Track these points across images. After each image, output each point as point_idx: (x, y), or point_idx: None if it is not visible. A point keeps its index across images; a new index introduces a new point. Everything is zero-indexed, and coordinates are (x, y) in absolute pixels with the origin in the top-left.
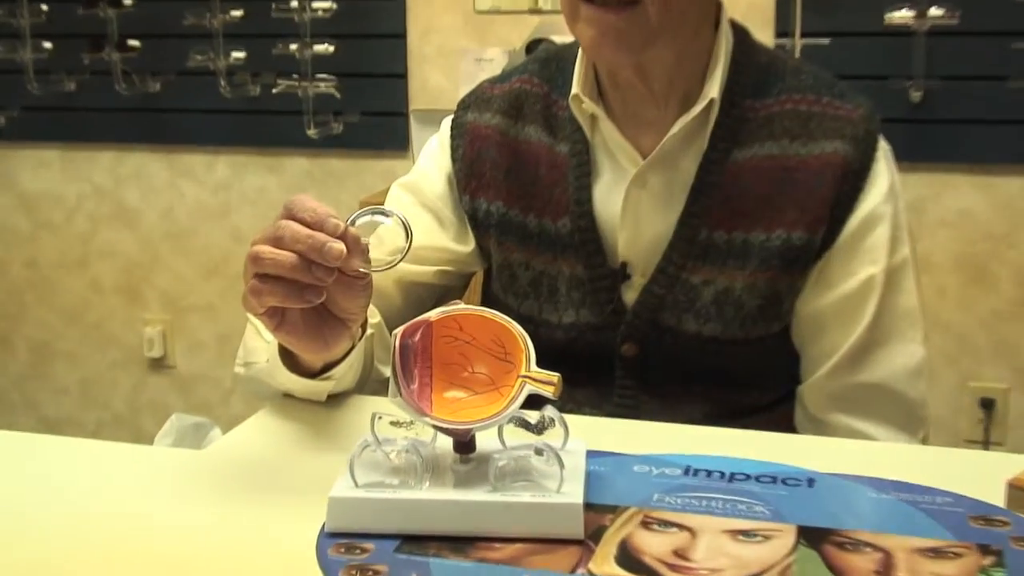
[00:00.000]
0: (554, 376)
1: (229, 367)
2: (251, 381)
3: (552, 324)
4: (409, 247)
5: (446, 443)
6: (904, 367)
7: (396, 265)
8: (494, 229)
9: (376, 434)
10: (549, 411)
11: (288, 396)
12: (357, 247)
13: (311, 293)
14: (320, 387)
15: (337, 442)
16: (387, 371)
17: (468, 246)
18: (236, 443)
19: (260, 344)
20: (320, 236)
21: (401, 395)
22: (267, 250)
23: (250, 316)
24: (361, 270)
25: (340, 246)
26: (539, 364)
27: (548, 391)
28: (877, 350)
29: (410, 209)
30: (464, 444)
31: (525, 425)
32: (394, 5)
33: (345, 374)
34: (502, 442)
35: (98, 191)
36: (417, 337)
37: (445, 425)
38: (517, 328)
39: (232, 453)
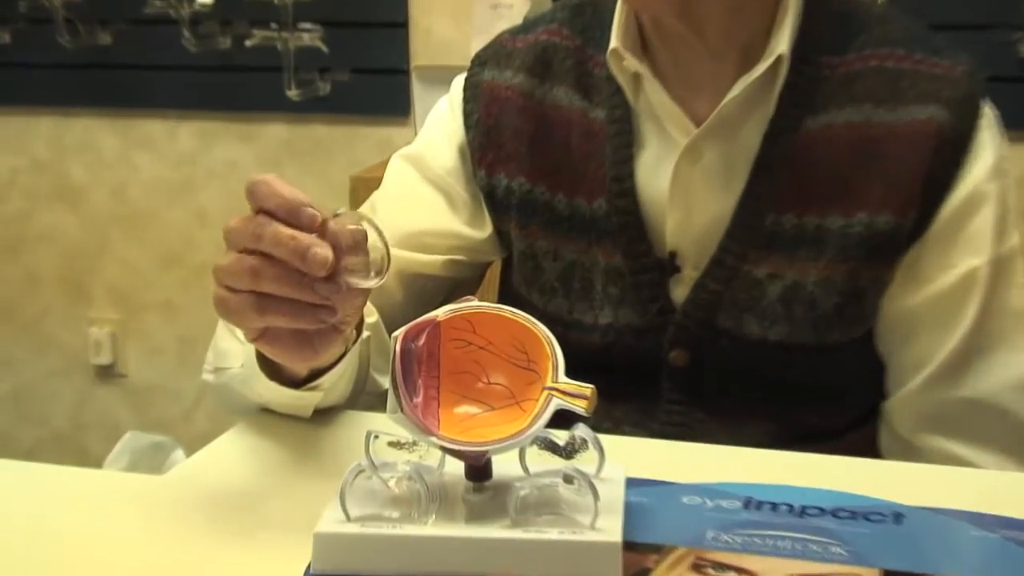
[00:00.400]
0: (587, 388)
1: (192, 376)
2: (222, 391)
3: (585, 326)
4: (387, 267)
5: (456, 468)
6: (1013, 379)
7: (376, 284)
8: (515, 211)
9: (372, 457)
10: (581, 431)
11: (266, 410)
12: (347, 247)
13: (325, 313)
14: (306, 399)
15: (325, 467)
16: (385, 381)
17: (483, 231)
18: (203, 467)
19: (233, 346)
20: (304, 239)
21: (402, 410)
22: (267, 267)
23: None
24: (356, 284)
25: (326, 252)
26: (569, 374)
27: (580, 406)
28: (980, 359)
29: (414, 187)
30: (478, 470)
31: (552, 447)
32: None
33: (335, 384)
34: (524, 468)
35: (36, 165)
36: (422, 340)
37: (456, 446)
38: (542, 330)
39: (198, 479)
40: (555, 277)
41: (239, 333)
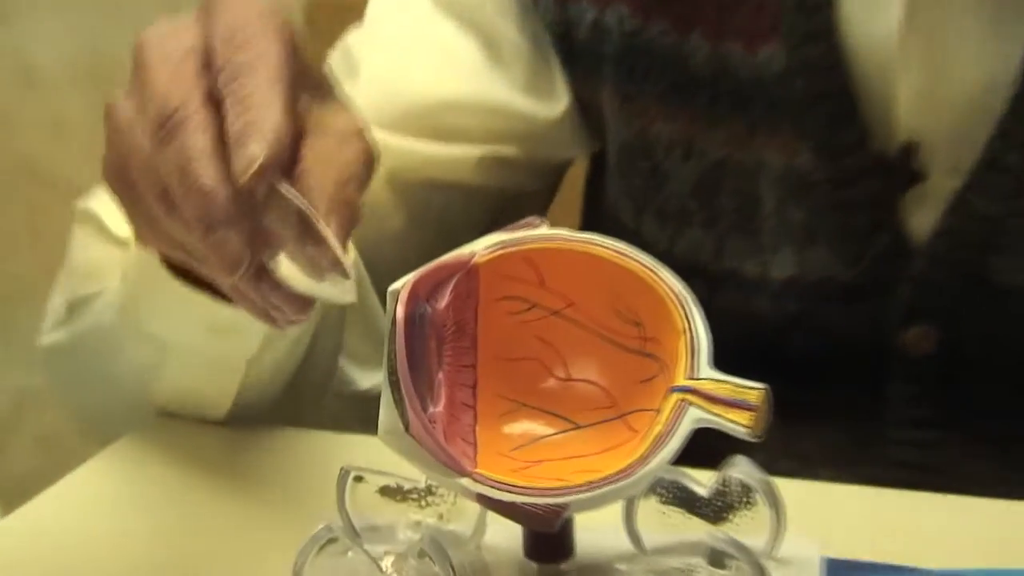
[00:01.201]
0: (754, 391)
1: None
2: (77, 354)
3: (746, 282)
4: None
5: (508, 539)
6: None
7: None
8: (613, 66)
9: (349, 515)
10: (741, 470)
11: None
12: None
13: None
14: (233, 341)
15: (258, 530)
16: (368, 376)
17: (552, 105)
18: (29, 535)
19: (108, 254)
20: (210, 186)
21: (407, 428)
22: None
23: (92, 207)
24: (293, 287)
25: (236, 244)
26: (720, 366)
27: (740, 424)
28: None
29: (426, 24)
30: (549, 541)
31: (687, 501)
32: None
33: (278, 365)
34: (634, 538)
35: None
36: (444, 300)
37: (506, 495)
38: (670, 281)
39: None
40: (688, 191)
41: (122, 229)
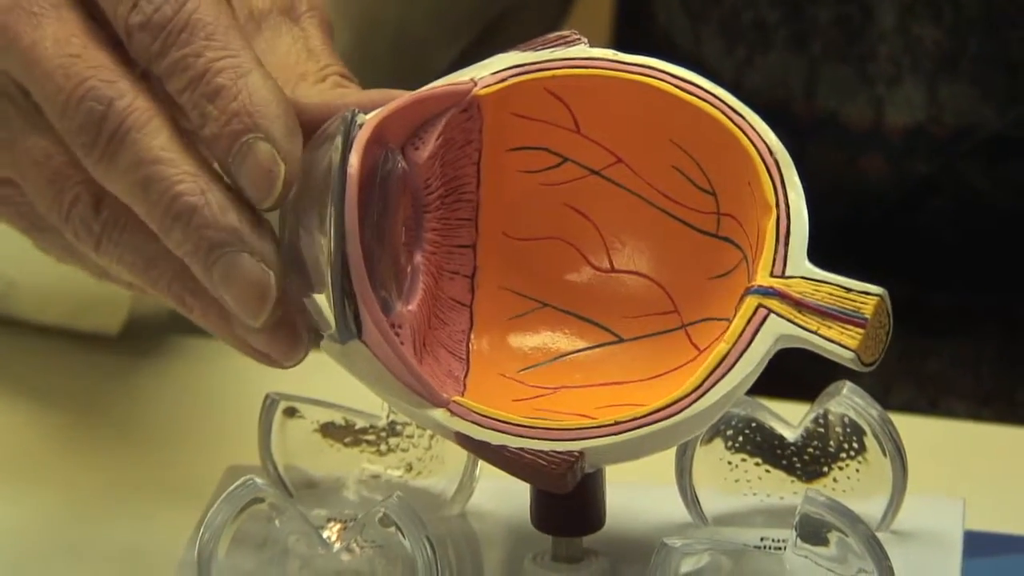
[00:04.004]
0: (865, 298)
1: None
2: None
3: (851, 129)
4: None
5: (506, 500)
6: None
7: None
8: None
9: (276, 464)
10: (845, 403)
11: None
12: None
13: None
14: None
15: (151, 485)
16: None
17: None
18: None
19: None
20: (175, 177)
21: (359, 333)
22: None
23: None
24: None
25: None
26: (817, 260)
27: (843, 345)
28: None
29: None
30: (565, 505)
31: (767, 449)
32: None
33: None
34: (690, 503)
35: None
36: (427, 148)
37: (494, 436)
38: (762, 131)
39: None
40: None
41: None
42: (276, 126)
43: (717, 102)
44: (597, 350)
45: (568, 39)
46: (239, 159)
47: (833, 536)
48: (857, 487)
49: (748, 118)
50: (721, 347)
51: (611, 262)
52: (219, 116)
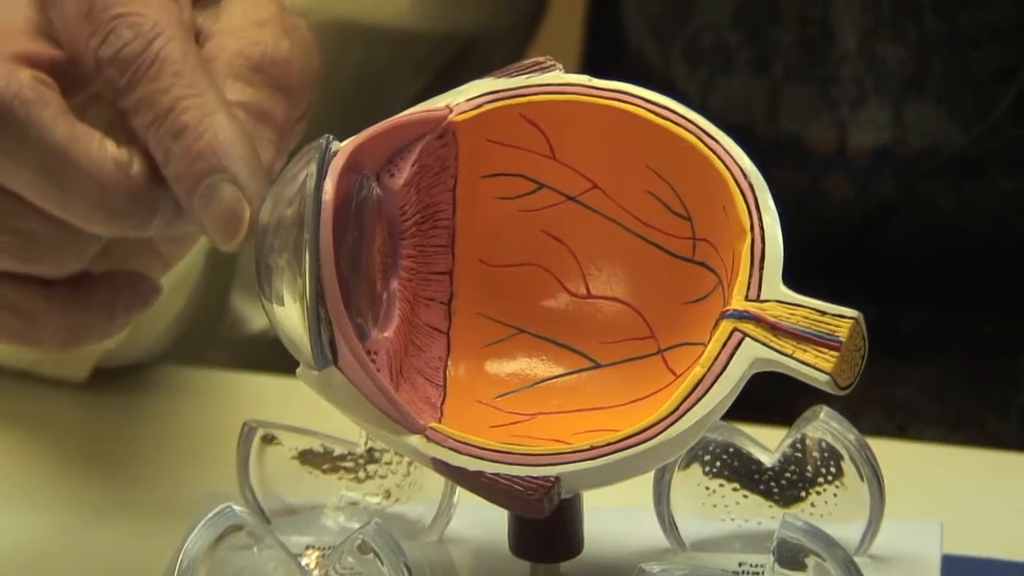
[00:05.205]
0: (839, 321)
1: None
2: None
3: (814, 151)
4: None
5: (485, 526)
6: None
7: None
8: None
9: (254, 491)
10: (821, 428)
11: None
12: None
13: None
14: None
15: (128, 515)
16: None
17: None
18: None
19: None
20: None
21: (335, 360)
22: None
23: None
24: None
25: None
26: (793, 283)
27: (817, 368)
28: None
29: None
30: (543, 531)
31: (744, 473)
32: None
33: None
34: (668, 529)
35: None
36: (403, 175)
37: (471, 462)
38: (736, 156)
39: None
40: (727, 17)
41: None
42: (240, 167)
43: (692, 127)
44: (574, 376)
45: (543, 65)
46: (203, 200)
47: (811, 561)
48: (835, 511)
49: (722, 142)
50: (696, 371)
51: (588, 288)
52: (183, 155)
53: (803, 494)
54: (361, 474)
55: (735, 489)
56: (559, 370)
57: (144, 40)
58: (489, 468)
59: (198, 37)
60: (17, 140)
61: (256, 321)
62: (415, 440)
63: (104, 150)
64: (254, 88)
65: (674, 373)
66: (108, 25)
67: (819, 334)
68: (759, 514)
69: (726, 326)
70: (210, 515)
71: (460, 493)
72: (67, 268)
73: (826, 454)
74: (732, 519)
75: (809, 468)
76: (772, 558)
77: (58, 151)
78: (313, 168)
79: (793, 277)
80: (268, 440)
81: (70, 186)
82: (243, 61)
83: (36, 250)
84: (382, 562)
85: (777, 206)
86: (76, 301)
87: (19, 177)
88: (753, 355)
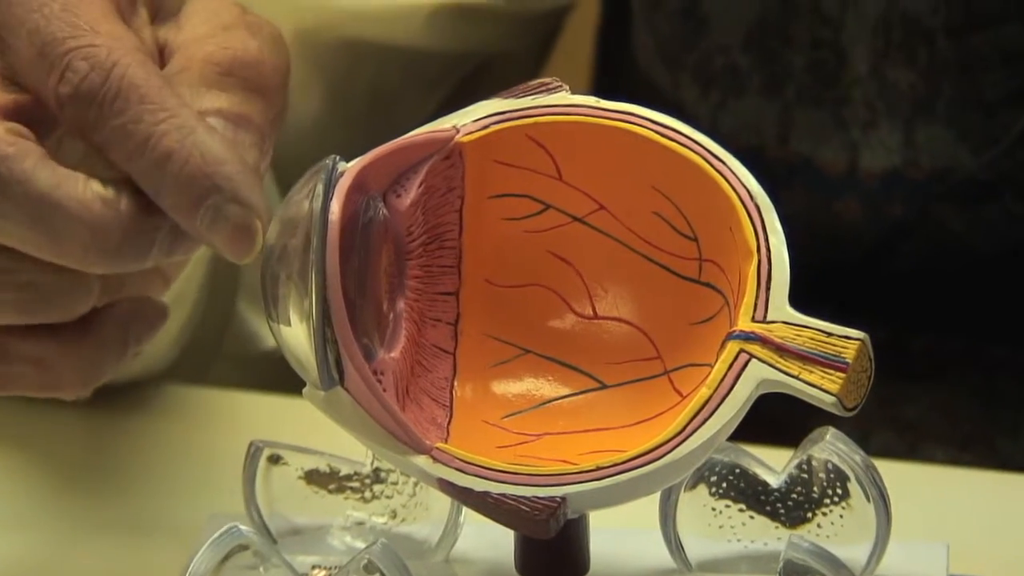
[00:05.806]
0: (846, 343)
1: None
2: None
3: (824, 174)
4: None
5: (491, 546)
6: None
7: None
8: None
9: (261, 511)
10: (828, 449)
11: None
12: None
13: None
14: None
15: (132, 535)
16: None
17: None
18: None
19: None
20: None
21: (341, 382)
22: None
23: None
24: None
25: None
26: (801, 305)
27: (824, 390)
28: None
29: None
30: (548, 551)
31: (751, 494)
32: None
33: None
34: (674, 549)
35: None
36: (409, 195)
37: (477, 483)
38: (743, 177)
39: None
40: (739, 41)
41: None
42: (237, 182)
43: (699, 148)
44: (580, 396)
45: (550, 86)
46: (208, 223)
47: None
48: (841, 533)
49: (729, 164)
50: (703, 392)
51: (594, 308)
52: (174, 183)
53: (809, 515)
54: (367, 494)
55: (741, 510)
56: (565, 390)
57: (102, 71)
58: (495, 488)
59: (163, 52)
60: (1, 197)
61: (265, 340)
62: (421, 460)
63: (90, 190)
64: (229, 93)
65: (680, 394)
66: (63, 61)
67: (825, 355)
68: (765, 535)
69: (732, 347)
70: (216, 535)
71: (466, 513)
72: (77, 311)
73: (832, 475)
74: (738, 540)
75: (815, 489)
76: None
77: (44, 200)
78: (320, 188)
79: (804, 298)
80: (274, 460)
81: (61, 232)
82: (214, 68)
83: (42, 301)
84: None
85: (788, 228)
86: (87, 341)
87: (10, 232)
88: (759, 376)
